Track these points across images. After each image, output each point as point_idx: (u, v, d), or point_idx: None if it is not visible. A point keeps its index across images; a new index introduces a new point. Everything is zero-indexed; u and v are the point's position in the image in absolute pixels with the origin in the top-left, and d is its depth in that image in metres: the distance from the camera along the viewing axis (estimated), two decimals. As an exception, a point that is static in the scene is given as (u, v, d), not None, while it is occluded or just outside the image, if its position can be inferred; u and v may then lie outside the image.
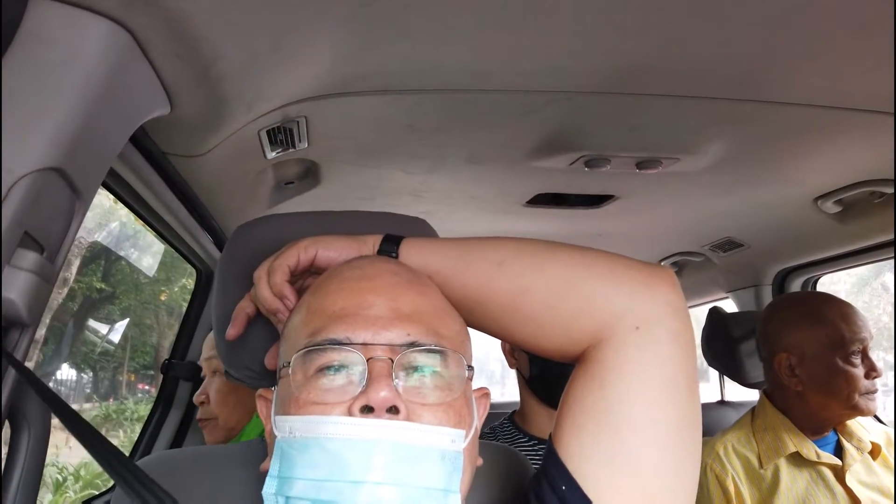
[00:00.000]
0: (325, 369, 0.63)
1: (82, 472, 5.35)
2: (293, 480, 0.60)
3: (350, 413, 0.60)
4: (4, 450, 0.72)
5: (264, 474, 0.68)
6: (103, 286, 5.80)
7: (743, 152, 1.42)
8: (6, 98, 0.62)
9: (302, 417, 0.62)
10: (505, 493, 0.86)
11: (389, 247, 0.77)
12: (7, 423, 0.70)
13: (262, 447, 0.88)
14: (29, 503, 0.71)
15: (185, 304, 2.11)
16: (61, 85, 0.65)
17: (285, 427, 0.63)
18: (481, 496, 0.83)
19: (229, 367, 0.91)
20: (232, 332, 0.81)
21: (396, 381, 0.62)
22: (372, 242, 0.78)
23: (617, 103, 1.19)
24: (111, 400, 6.81)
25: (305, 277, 0.80)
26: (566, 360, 0.75)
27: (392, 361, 0.62)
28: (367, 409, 0.60)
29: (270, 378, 0.85)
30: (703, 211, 1.86)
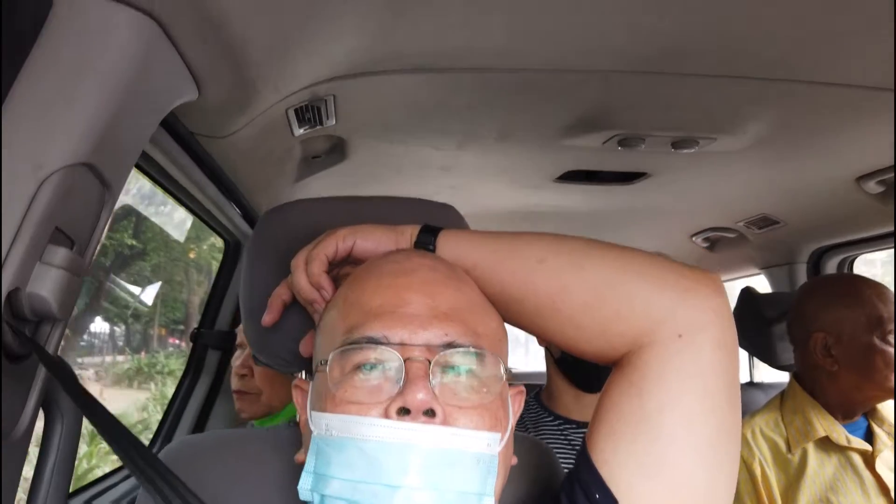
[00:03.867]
0: (361, 367, 0.63)
1: (119, 423, 5.49)
2: (329, 479, 0.60)
3: (387, 414, 0.60)
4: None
5: (292, 462, 0.69)
6: (134, 243, 5.90)
7: (783, 131, 1.37)
8: (35, 94, 0.61)
9: (339, 416, 0.61)
10: (535, 490, 0.85)
11: (427, 238, 0.76)
12: (42, 413, 0.71)
13: (288, 433, 0.89)
14: (62, 490, 0.73)
15: (214, 262, 2.13)
16: (89, 79, 0.64)
17: (322, 423, 0.63)
18: (511, 493, 0.83)
19: (258, 353, 0.91)
20: (268, 318, 0.81)
21: (433, 382, 0.61)
22: (409, 233, 0.77)
23: (653, 82, 1.15)
24: (143, 353, 6.98)
25: (342, 266, 0.79)
26: (605, 363, 0.73)
27: (429, 362, 0.61)
28: (404, 412, 0.59)
29: (300, 364, 0.85)
30: (739, 188, 1.81)
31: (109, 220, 0.72)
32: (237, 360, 1.70)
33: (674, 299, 0.68)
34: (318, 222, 0.82)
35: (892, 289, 1.52)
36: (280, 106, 1.11)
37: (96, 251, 0.72)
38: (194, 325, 2.14)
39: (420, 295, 0.65)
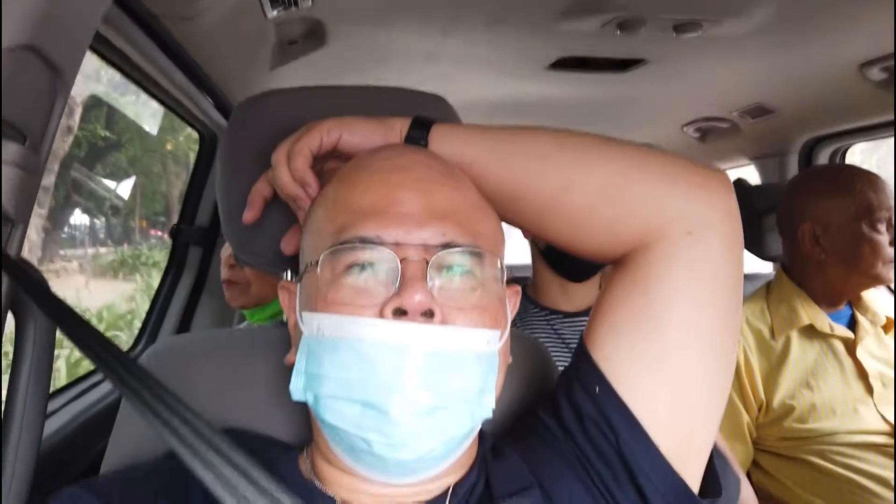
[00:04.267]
0: (354, 267, 0.59)
1: (105, 315, 5.53)
2: (322, 378, 0.58)
3: (382, 315, 0.57)
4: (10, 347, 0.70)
5: (282, 363, 0.67)
6: (108, 134, 5.72)
7: (790, 14, 1.30)
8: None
9: (331, 316, 0.59)
10: (531, 387, 0.85)
11: (419, 133, 0.71)
12: (13, 318, 0.67)
13: (278, 333, 0.87)
14: (41, 395, 0.70)
15: (191, 154, 2.06)
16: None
17: (313, 324, 0.60)
18: (507, 388, 0.82)
19: (240, 253, 0.87)
20: (248, 216, 0.76)
21: (431, 282, 0.58)
22: (399, 127, 0.71)
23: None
24: (125, 246, 6.97)
25: (326, 161, 0.74)
26: (604, 261, 0.71)
27: (426, 262, 0.58)
28: (400, 312, 0.57)
29: (283, 263, 0.82)
30: (736, 76, 1.74)
31: (63, 110, 0.65)
32: (226, 250, 1.68)
33: (684, 197, 0.65)
34: (297, 114, 0.76)
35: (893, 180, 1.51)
36: (250, -17, 1.01)
37: (52, 146, 0.65)
38: (176, 217, 2.09)
39: (415, 193, 0.61)
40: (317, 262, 0.61)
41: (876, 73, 1.61)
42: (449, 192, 0.63)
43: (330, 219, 0.63)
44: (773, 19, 1.29)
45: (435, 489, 0.64)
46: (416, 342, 0.56)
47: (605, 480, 0.64)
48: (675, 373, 0.64)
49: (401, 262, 0.58)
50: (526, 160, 0.68)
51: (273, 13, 1.16)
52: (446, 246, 0.60)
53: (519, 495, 0.62)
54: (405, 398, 0.55)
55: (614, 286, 0.68)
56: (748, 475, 1.52)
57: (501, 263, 0.64)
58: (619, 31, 1.31)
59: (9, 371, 0.71)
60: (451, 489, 0.64)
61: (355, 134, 0.71)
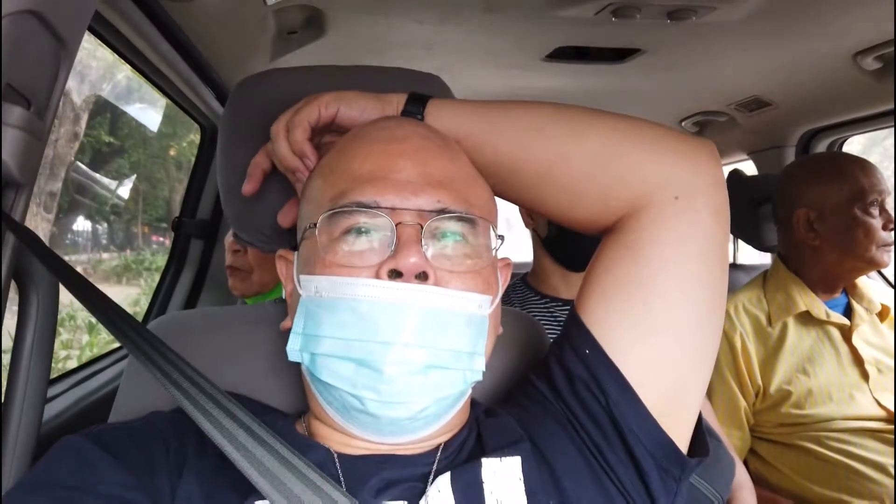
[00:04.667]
0: (351, 231, 0.61)
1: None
2: (320, 338, 0.60)
3: (378, 277, 0.59)
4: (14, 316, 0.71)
5: (282, 333, 0.68)
6: (112, 140, 5.76)
7: (783, 1, 1.30)
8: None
9: (329, 278, 0.60)
10: (524, 358, 0.86)
11: (415, 107, 0.73)
12: (15, 286, 0.69)
13: (276, 310, 0.88)
14: (44, 364, 0.72)
15: (193, 158, 2.07)
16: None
17: (311, 286, 0.62)
18: (500, 361, 0.84)
19: (239, 230, 0.88)
20: (248, 187, 0.78)
21: (425, 247, 0.60)
22: (396, 102, 0.73)
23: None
24: (128, 251, 6.99)
25: (323, 134, 0.75)
26: (596, 230, 0.73)
27: (421, 228, 0.60)
28: (396, 274, 0.59)
29: (282, 241, 0.83)
30: (732, 67, 1.75)
31: (66, 80, 0.67)
32: (230, 237, 1.70)
33: (672, 163, 0.68)
34: (296, 92, 0.77)
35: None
36: (249, -34, 1.02)
37: (55, 115, 0.67)
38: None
39: (412, 162, 0.63)
40: (314, 226, 0.62)
41: (870, 63, 1.61)
42: (444, 163, 0.65)
43: (328, 186, 0.65)
44: (766, 6, 1.30)
45: (427, 446, 0.65)
46: (411, 301, 0.58)
47: (595, 440, 0.66)
48: (666, 336, 0.66)
49: (396, 226, 0.59)
50: (520, 132, 0.70)
51: (272, 0, 1.18)
52: (441, 212, 0.61)
53: (509, 447, 0.63)
54: (400, 356, 0.57)
55: (606, 252, 0.70)
56: (745, 463, 1.53)
57: (494, 232, 0.66)
58: (614, 18, 1.32)
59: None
60: (442, 445, 0.66)
61: (353, 108, 0.73)
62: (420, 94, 0.74)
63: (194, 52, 1.29)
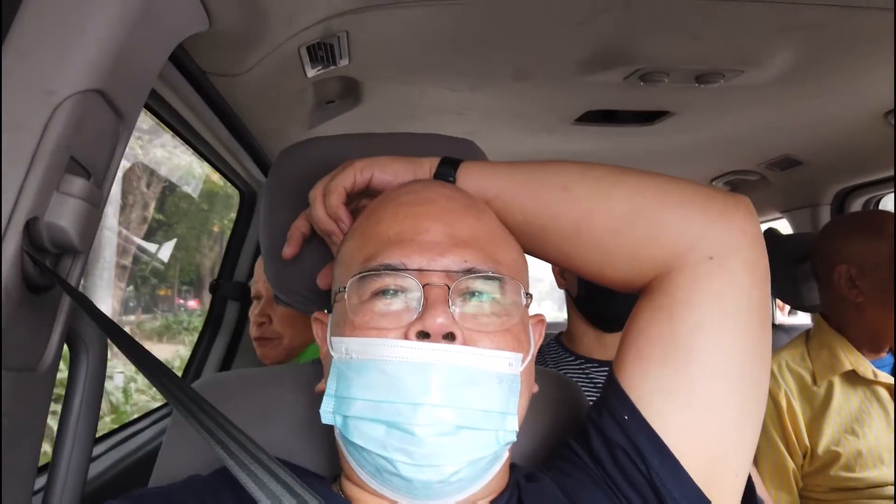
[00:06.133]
0: (380, 293, 0.62)
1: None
2: (351, 400, 0.60)
3: (406, 338, 0.59)
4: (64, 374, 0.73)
5: (317, 396, 0.68)
6: (160, 217, 6.12)
7: (812, 62, 1.32)
8: (43, 20, 0.59)
9: (359, 339, 0.61)
10: (561, 419, 0.85)
11: (447, 170, 0.74)
12: (67, 348, 0.71)
13: (312, 370, 0.89)
14: (91, 423, 0.73)
15: (227, 231, 2.14)
16: (99, 4, 0.62)
17: (342, 348, 0.62)
18: (537, 422, 0.83)
19: (279, 291, 0.91)
20: (288, 251, 0.80)
21: (453, 307, 0.60)
22: (429, 165, 0.75)
23: (677, 10, 1.10)
24: (171, 313, 7.31)
25: (360, 199, 0.78)
26: (631, 290, 0.72)
27: (448, 288, 0.60)
28: (424, 335, 0.59)
29: (320, 302, 0.85)
30: (762, 127, 1.76)
31: (124, 152, 0.71)
32: (254, 309, 1.72)
33: (705, 222, 0.67)
34: (335, 159, 0.80)
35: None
36: (293, 42, 1.08)
37: (112, 184, 0.71)
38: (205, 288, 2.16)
39: (439, 223, 0.64)
40: (345, 289, 0.64)
41: (902, 121, 1.62)
42: (471, 222, 0.66)
43: (358, 249, 0.66)
44: (793, 68, 1.32)
45: None
46: (437, 361, 0.58)
47: None
48: (706, 401, 0.64)
49: (424, 287, 0.60)
50: (547, 191, 0.71)
51: (313, 72, 1.24)
52: (468, 272, 0.62)
53: None
54: (429, 416, 0.57)
55: (641, 313, 0.69)
56: (796, 530, 1.46)
57: (524, 289, 0.66)
58: (642, 83, 1.35)
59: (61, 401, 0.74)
60: None
61: (386, 172, 0.75)
62: (452, 158, 0.76)
63: (237, 121, 1.35)
